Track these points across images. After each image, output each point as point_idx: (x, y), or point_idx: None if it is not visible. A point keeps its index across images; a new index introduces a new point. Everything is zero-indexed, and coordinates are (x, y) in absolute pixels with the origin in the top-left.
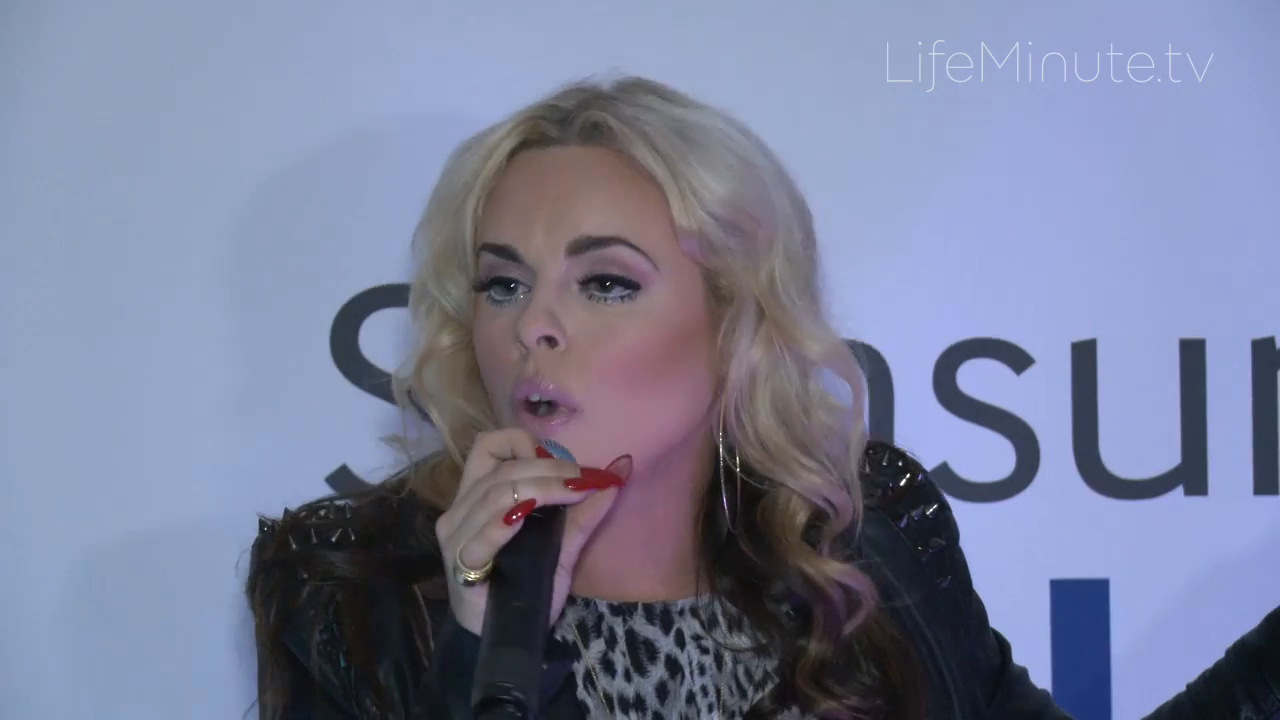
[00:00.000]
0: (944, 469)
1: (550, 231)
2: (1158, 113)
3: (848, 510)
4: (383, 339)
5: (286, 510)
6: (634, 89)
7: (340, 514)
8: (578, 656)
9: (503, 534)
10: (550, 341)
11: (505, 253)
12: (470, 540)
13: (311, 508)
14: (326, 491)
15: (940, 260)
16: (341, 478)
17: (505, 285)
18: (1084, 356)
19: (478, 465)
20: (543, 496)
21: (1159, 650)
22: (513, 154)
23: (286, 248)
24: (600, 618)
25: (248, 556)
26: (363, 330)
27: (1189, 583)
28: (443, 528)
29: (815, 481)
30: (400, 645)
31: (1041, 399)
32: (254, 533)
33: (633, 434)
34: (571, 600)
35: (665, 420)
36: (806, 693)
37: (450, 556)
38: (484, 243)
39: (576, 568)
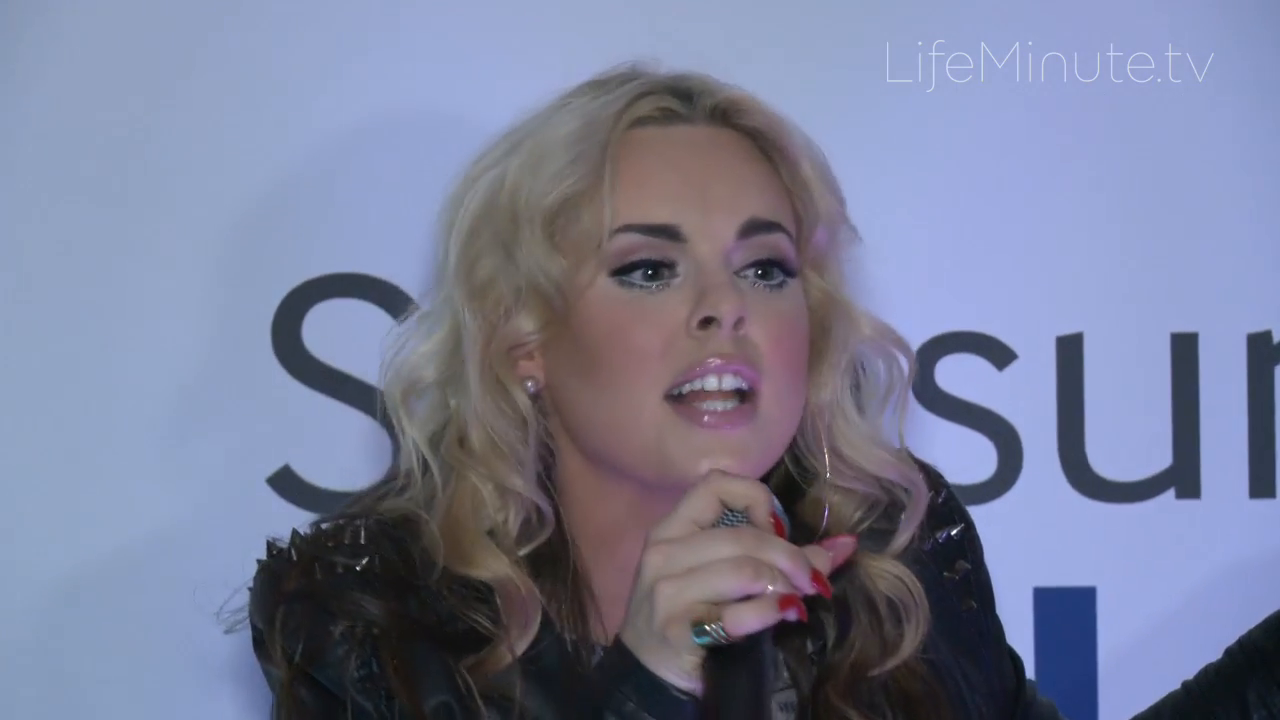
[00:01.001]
0: None
1: (715, 211)
2: (1158, 113)
3: (922, 493)
4: (328, 332)
5: (295, 532)
6: (704, 76)
7: (355, 538)
8: None
9: (776, 617)
10: (739, 323)
11: (664, 232)
12: (741, 608)
13: (325, 533)
14: (268, 494)
15: (923, 253)
16: (284, 479)
17: (651, 268)
18: (1070, 351)
19: (705, 507)
20: (795, 611)
21: (1148, 663)
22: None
23: (226, 236)
24: None
25: (247, 587)
26: (306, 322)
27: (1180, 591)
28: (658, 559)
29: (888, 459)
30: (445, 686)
31: (1025, 396)
32: (195, 537)
33: (785, 434)
34: (592, 649)
35: (797, 422)
36: (834, 705)
37: (677, 602)
38: (627, 223)
39: (610, 608)
